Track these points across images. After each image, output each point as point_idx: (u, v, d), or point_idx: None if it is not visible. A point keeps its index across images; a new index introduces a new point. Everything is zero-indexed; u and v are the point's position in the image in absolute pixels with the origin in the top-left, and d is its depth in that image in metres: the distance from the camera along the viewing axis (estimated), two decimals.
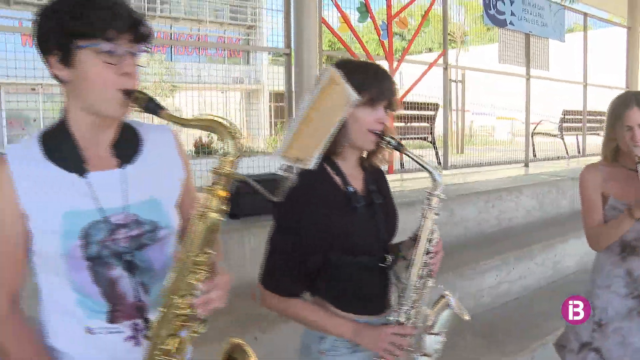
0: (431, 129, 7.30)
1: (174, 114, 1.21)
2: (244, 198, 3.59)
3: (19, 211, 1.22)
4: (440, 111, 7.23)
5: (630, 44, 9.71)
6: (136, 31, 1.23)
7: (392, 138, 1.64)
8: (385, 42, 5.74)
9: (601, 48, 10.25)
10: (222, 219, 1.20)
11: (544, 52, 7.98)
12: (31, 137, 1.31)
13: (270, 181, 3.87)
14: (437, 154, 7.22)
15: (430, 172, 1.66)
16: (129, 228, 1.29)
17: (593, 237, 2.38)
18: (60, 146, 1.27)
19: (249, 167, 5.18)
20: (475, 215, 4.90)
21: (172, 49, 17.76)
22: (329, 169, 1.68)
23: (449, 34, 9.98)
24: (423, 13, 6.37)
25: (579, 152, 9.68)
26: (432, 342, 1.70)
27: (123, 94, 1.22)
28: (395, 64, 5.86)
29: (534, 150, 8.63)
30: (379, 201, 1.74)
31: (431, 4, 6.21)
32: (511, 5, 7.13)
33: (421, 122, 7.16)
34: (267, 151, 9.50)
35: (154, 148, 1.40)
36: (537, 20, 7.69)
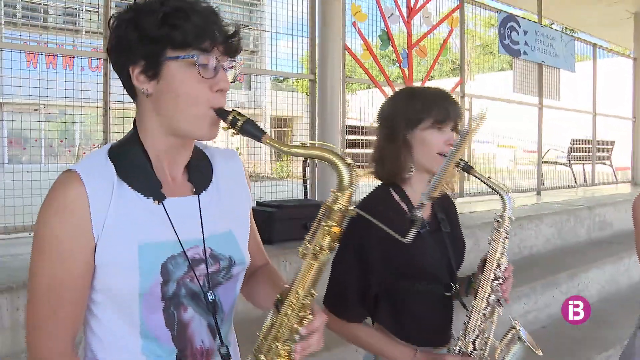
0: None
1: (275, 140, 1.08)
2: (279, 223, 3.58)
3: (91, 239, 1.05)
4: None
5: (637, 75, 9.83)
6: (229, 43, 1.10)
7: (461, 160, 1.61)
8: (406, 69, 5.79)
9: (607, 77, 10.36)
10: (330, 256, 1.09)
11: (555, 81, 8.07)
12: (99, 152, 1.14)
13: (297, 207, 3.87)
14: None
15: (499, 194, 1.63)
16: (207, 264, 1.15)
17: None
18: (135, 166, 1.11)
19: (255, 194, 5.14)
20: None
21: None
22: (395, 194, 1.67)
23: (454, 62, 10.02)
24: (439, 42, 6.43)
25: (585, 180, 9.73)
26: None
27: (216, 113, 1.09)
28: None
29: (542, 179, 8.68)
30: (446, 230, 1.71)
31: (449, 33, 6.28)
32: (525, 35, 7.24)
33: None
34: (273, 176, 9.45)
35: (224, 174, 1.26)
36: (549, 51, 7.79)
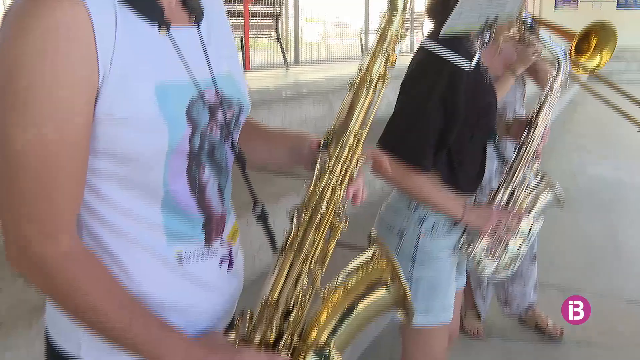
0: (276, 27, 7.07)
1: None
2: None
3: (96, 81, 0.75)
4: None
5: None
6: None
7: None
8: None
9: None
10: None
11: None
12: None
13: None
14: (283, 51, 7.09)
15: (558, 58, 1.64)
16: (223, 109, 0.92)
17: None
18: None
19: None
20: None
21: None
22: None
23: None
24: None
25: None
26: (530, 225, 1.70)
27: None
28: None
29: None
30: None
31: None
32: None
33: (265, 18, 6.91)
34: None
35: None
36: None
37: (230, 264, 1.00)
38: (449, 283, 1.68)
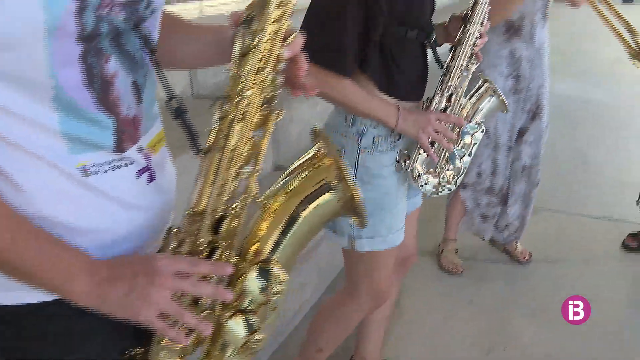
0: None
1: None
2: None
3: None
4: None
5: None
6: None
7: None
8: None
9: None
10: None
11: None
12: None
13: None
14: None
15: None
16: None
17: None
18: None
19: None
20: None
21: None
22: None
23: None
24: None
25: None
26: (471, 132, 1.61)
27: None
28: None
29: None
30: None
31: None
32: None
33: None
34: None
35: None
36: None
37: (151, 177, 0.85)
38: (396, 203, 1.56)
